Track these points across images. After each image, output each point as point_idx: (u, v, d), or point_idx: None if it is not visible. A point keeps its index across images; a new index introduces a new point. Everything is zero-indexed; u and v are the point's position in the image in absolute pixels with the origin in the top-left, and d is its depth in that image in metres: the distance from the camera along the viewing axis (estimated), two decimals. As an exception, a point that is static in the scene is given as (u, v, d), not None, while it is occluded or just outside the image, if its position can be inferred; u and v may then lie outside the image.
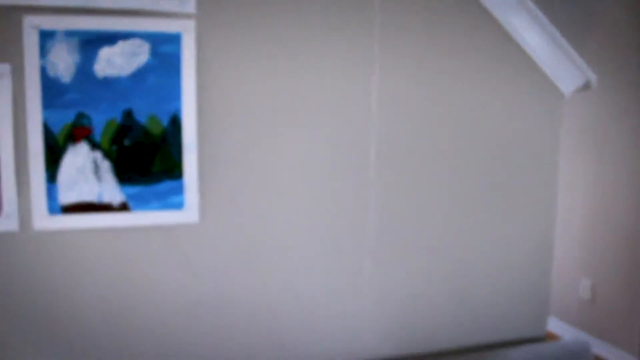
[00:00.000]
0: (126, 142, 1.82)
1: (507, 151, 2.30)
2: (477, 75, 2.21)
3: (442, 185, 2.22)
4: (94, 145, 1.79)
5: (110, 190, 1.82)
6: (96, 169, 1.80)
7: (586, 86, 2.33)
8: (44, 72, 1.72)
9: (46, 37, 1.71)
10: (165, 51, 1.81)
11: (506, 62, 2.24)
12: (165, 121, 1.84)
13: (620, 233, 3.30)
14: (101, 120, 1.78)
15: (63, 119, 1.75)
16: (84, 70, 1.76)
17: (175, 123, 1.85)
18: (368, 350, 2.20)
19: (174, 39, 1.82)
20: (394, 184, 2.15)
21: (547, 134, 2.35)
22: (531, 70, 2.28)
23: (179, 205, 1.88)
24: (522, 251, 2.36)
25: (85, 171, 1.79)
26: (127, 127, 1.81)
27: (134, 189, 1.84)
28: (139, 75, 1.80)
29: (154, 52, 1.81)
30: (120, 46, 1.78)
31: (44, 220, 1.76)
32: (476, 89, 2.22)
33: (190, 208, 1.90)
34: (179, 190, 1.88)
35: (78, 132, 1.77)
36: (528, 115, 2.31)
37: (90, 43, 1.75)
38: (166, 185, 1.87)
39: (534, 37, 2.23)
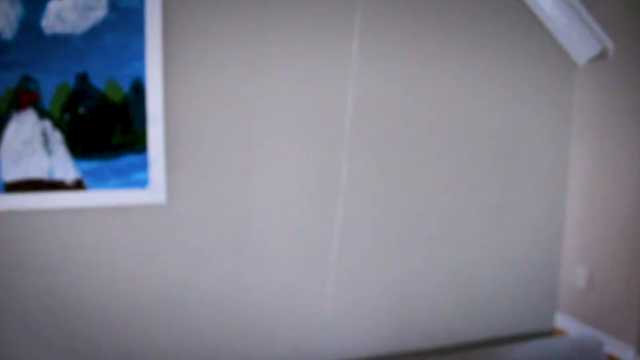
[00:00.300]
0: (81, 110, 1.63)
1: (515, 137, 2.16)
2: (481, 45, 2.02)
3: (446, 179, 2.08)
4: (43, 114, 1.59)
5: (63, 166, 1.63)
6: (45, 141, 1.60)
7: (602, 55, 2.11)
8: (-20, 27, 1.51)
9: (-18, -15, 1.48)
10: (125, 5, 1.63)
11: (514, 29, 2.07)
12: (126, 87, 1.66)
13: (617, 221, 3.26)
14: (51, 84, 1.59)
15: (5, 83, 1.55)
16: (30, 26, 1.55)
17: (138, 89, 1.67)
18: (367, 347, 2.06)
19: (136, -9, 1.63)
20: (394, 173, 2.00)
21: (558, 111, 2.20)
22: (541, 37, 2.08)
23: (142, 184, 1.71)
24: (530, 245, 2.27)
25: (32, 143, 1.59)
26: (81, 92, 1.62)
27: (91, 165, 1.65)
28: (95, 33, 1.61)
29: (112, 6, 1.62)
30: (73, -2, 1.58)
31: (-17, 200, 1.57)
32: (480, 65, 2.05)
33: (155, 187, 1.72)
34: (143, 166, 1.70)
35: (23, 98, 1.57)
36: (537, 89, 2.14)
37: (36, -6, 1.55)
38: (128, 160, 1.69)
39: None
